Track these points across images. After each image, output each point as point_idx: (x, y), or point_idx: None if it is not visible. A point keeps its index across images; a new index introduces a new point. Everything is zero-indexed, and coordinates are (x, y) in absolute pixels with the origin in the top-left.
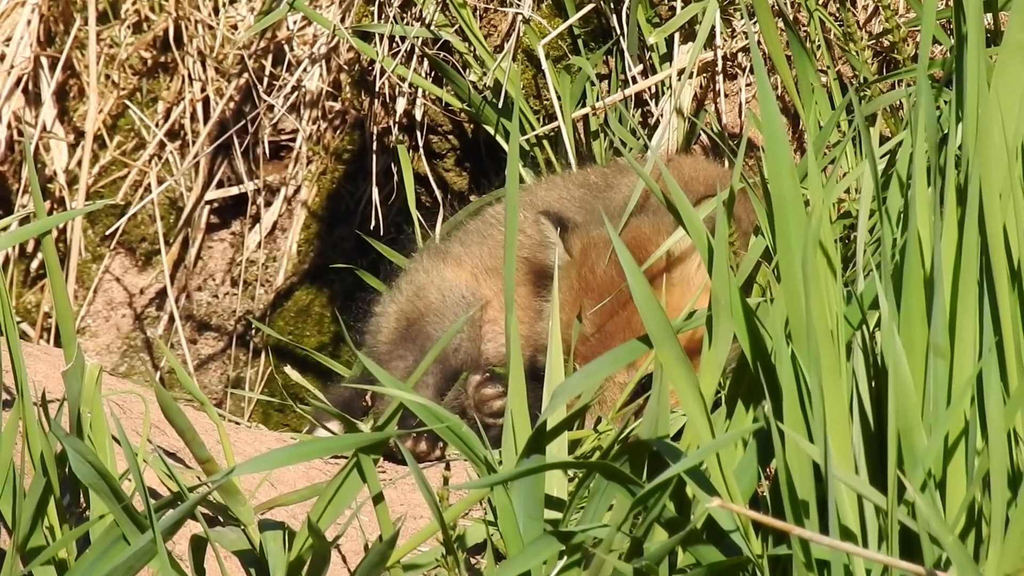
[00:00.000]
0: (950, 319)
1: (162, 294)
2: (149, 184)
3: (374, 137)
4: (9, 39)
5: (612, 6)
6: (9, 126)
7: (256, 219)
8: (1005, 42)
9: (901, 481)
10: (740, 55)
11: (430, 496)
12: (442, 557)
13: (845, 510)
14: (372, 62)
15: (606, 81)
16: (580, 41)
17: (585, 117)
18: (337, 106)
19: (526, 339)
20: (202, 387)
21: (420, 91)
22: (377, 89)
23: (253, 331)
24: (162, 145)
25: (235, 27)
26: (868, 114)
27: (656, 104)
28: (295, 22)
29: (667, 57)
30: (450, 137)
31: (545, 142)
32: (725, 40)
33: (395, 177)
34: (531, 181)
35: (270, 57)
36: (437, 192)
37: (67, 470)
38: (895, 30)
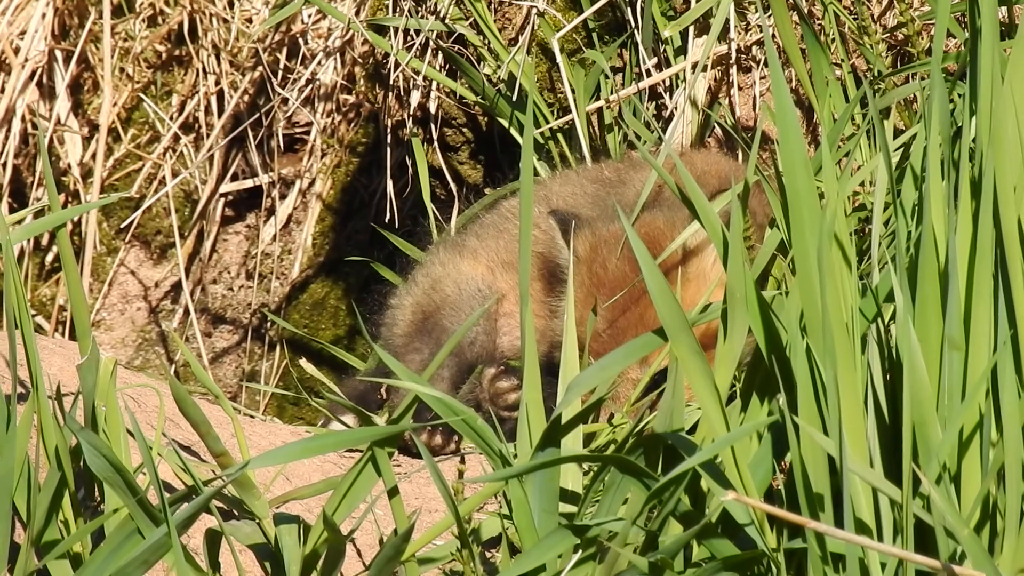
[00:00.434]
0: (965, 312)
1: (177, 287)
2: (164, 177)
3: (388, 130)
4: (24, 32)
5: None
6: (23, 119)
7: (271, 212)
8: (1019, 35)
9: (916, 474)
10: (754, 48)
11: (445, 489)
12: (457, 551)
13: (860, 503)
14: (386, 55)
15: (620, 74)
16: (595, 34)
17: (599, 110)
18: (351, 99)
19: (541, 333)
20: (217, 380)
21: (434, 84)
22: (391, 82)
23: (268, 324)
24: (176, 138)
25: (250, 20)
26: (882, 107)
27: (670, 97)
28: (310, 15)
29: (681, 50)
30: (464, 130)
31: (559, 135)
32: (739, 33)
33: (410, 170)
34: (545, 175)
35: (285, 50)
36: (452, 185)
37: (82, 464)
38: (909, 23)
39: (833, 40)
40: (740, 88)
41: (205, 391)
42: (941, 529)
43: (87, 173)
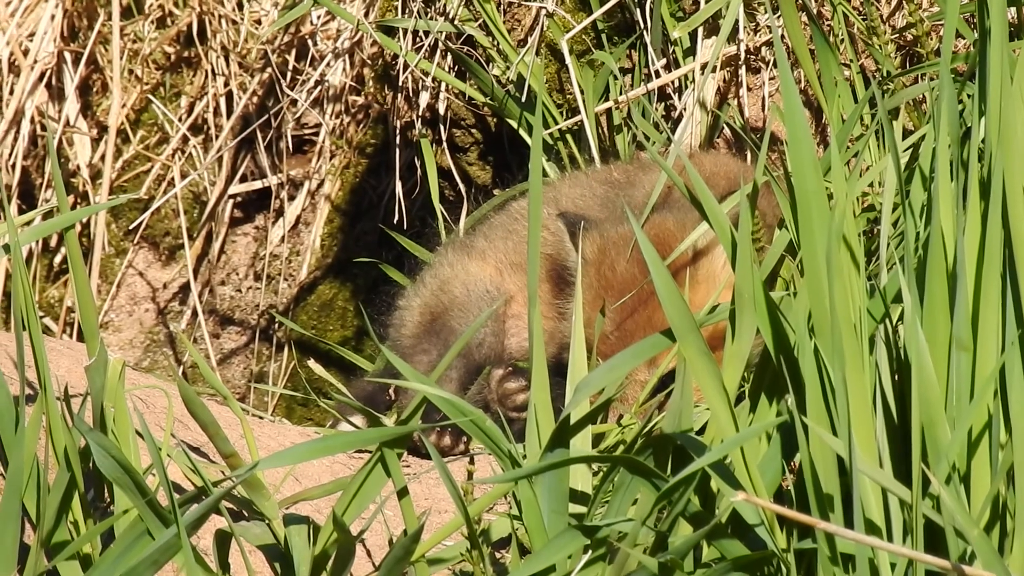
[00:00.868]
0: (973, 313)
1: (185, 288)
2: (172, 178)
3: (397, 131)
4: (33, 34)
5: (636, 1)
6: (32, 121)
7: (279, 213)
8: None
9: (925, 475)
10: (763, 49)
11: (454, 490)
12: (467, 551)
13: (870, 504)
14: (395, 56)
15: (629, 75)
16: (604, 35)
17: (608, 111)
18: (360, 100)
19: (549, 335)
20: (225, 381)
21: (443, 85)
22: (400, 83)
23: (276, 325)
24: (185, 139)
25: (259, 22)
26: (891, 108)
27: (679, 98)
28: (319, 17)
29: (691, 51)
30: (473, 131)
31: (568, 136)
32: (749, 34)
33: (418, 171)
34: (554, 176)
35: (294, 52)
36: (460, 186)
37: (91, 465)
38: (918, 24)
39: (842, 41)
40: (749, 89)
41: (213, 392)
42: (951, 529)
43: (96, 175)
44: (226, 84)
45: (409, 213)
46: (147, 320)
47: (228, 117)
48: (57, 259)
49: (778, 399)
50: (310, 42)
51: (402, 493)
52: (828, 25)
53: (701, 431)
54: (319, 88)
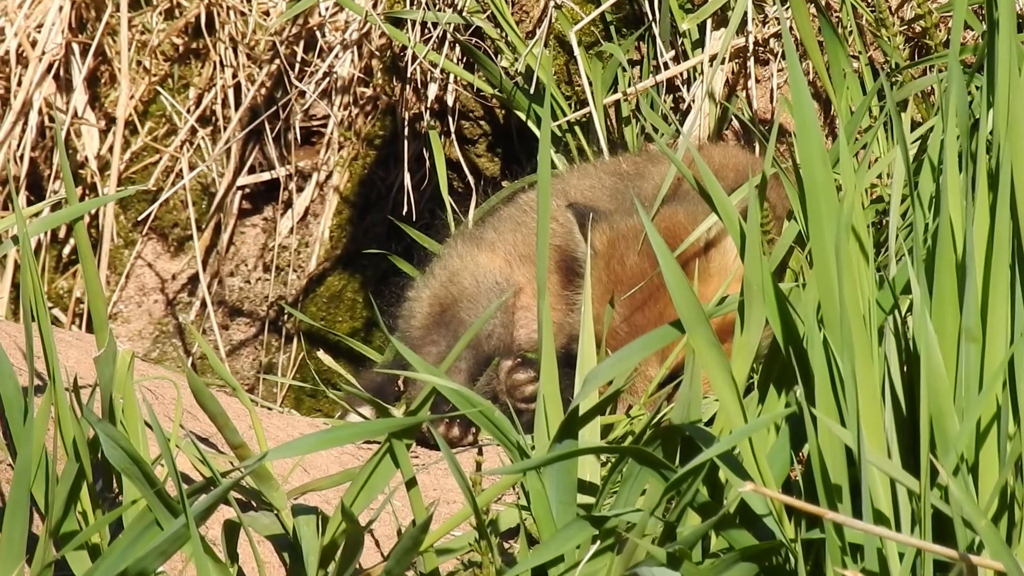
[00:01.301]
0: (982, 304)
1: (194, 280)
2: (181, 170)
3: (406, 123)
4: (41, 25)
5: None
6: (41, 112)
7: (288, 205)
8: None
9: (934, 465)
10: (772, 41)
11: (463, 481)
12: (475, 542)
13: (878, 494)
14: (404, 48)
15: (638, 67)
16: (612, 27)
17: (617, 103)
18: (369, 92)
19: (558, 326)
20: (234, 373)
21: (452, 77)
22: (409, 75)
23: (285, 316)
24: (194, 131)
25: (267, 13)
26: (900, 100)
27: (688, 90)
28: (327, 8)
29: (699, 43)
30: (482, 123)
31: (577, 128)
32: (757, 26)
33: (427, 163)
34: (563, 168)
35: (302, 43)
36: (469, 178)
37: (99, 455)
38: (927, 16)
39: (851, 32)
40: (758, 81)
41: (222, 383)
42: (959, 519)
43: (104, 166)
44: (234, 75)
45: (418, 205)
46: (156, 311)
47: (236, 108)
48: (66, 250)
49: (787, 390)
50: (318, 33)
51: (411, 484)
52: (837, 17)
53: (710, 422)
54: (327, 79)
